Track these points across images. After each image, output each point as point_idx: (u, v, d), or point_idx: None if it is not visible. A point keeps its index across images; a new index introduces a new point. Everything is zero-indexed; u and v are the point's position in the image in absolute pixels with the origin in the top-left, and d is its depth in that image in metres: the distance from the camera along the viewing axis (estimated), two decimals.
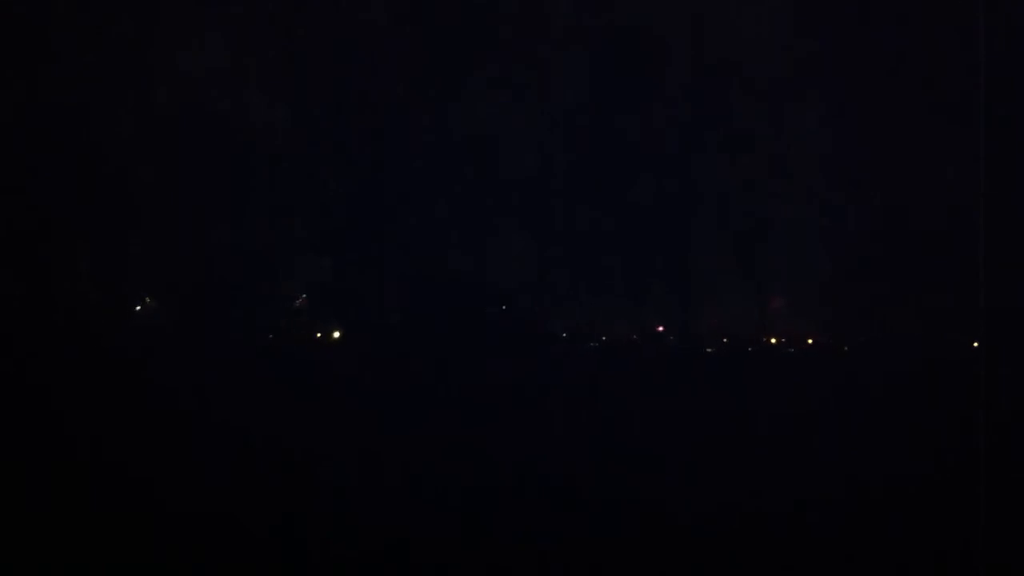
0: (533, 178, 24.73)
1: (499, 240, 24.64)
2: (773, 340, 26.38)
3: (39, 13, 21.86)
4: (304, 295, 23.33)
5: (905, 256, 23.75)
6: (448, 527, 15.92)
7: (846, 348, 26.09)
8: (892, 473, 17.55)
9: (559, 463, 18.36)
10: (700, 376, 23.77)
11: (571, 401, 21.35)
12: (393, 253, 23.77)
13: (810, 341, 26.71)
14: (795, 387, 22.14)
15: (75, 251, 22.06)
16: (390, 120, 23.69)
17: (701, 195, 25.21)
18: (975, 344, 19.28)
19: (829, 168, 24.81)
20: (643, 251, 25.45)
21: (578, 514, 16.42)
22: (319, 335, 23.93)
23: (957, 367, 19.23)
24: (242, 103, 23.19)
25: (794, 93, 24.59)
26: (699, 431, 19.67)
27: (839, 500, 16.73)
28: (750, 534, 15.63)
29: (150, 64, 22.67)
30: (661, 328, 26.61)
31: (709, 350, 26.37)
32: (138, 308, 22.51)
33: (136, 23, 22.45)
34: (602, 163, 25.00)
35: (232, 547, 15.05)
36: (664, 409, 20.98)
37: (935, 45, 21.89)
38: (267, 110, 23.31)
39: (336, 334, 23.70)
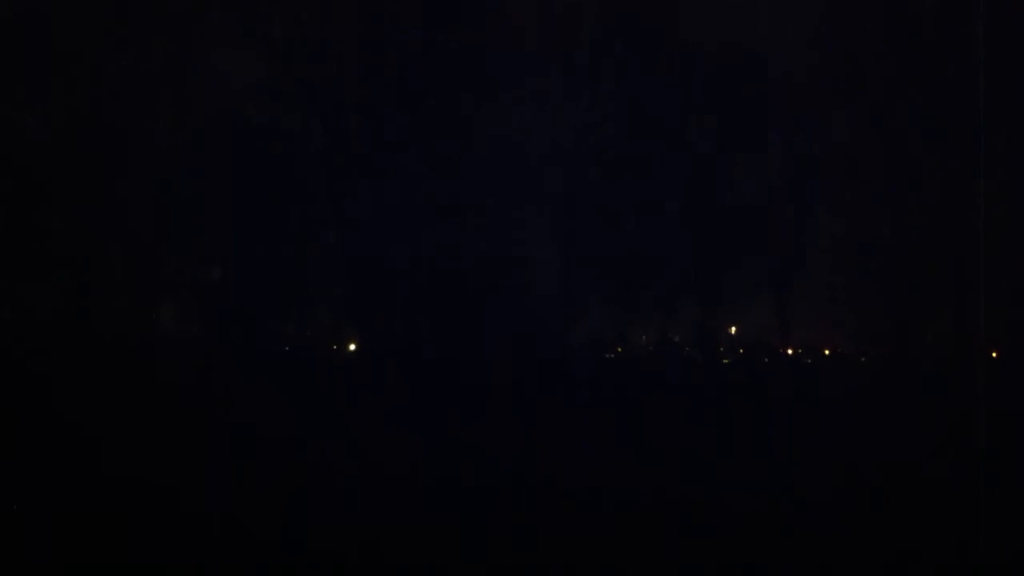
0: (557, 189, 24.84)
1: (522, 251, 24.76)
2: (790, 351, 26.48)
3: (77, 26, 22.17)
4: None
5: (926, 267, 23.82)
6: (454, 528, 16.19)
7: (863, 359, 26.22)
8: (892, 475, 17.74)
9: (568, 469, 18.60)
10: (714, 386, 23.96)
11: (585, 410, 21.55)
12: (417, 262, 23.90)
13: (827, 352, 26.81)
14: (806, 396, 22.34)
15: (106, 260, 22.36)
16: (419, 131, 23.83)
17: (723, 208, 25.35)
18: (978, 347, 19.47)
19: (851, 181, 24.91)
20: (664, 262, 25.56)
21: (581, 516, 16.68)
22: (335, 346, 24.21)
23: (962, 370, 19.40)
24: (274, 119, 23.40)
25: (821, 106, 24.68)
26: (706, 437, 19.89)
27: (840, 502, 16.94)
28: (750, 534, 15.84)
29: (182, 78, 22.91)
30: (678, 339, 26.80)
31: (726, 361, 26.49)
32: (165, 315, 22.81)
33: (170, 37, 22.73)
34: (624, 175, 25.11)
35: (239, 547, 15.37)
36: (676, 417, 21.20)
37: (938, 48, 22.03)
38: (297, 124, 23.52)
39: (352, 346, 23.96)
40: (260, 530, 16.15)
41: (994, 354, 22.00)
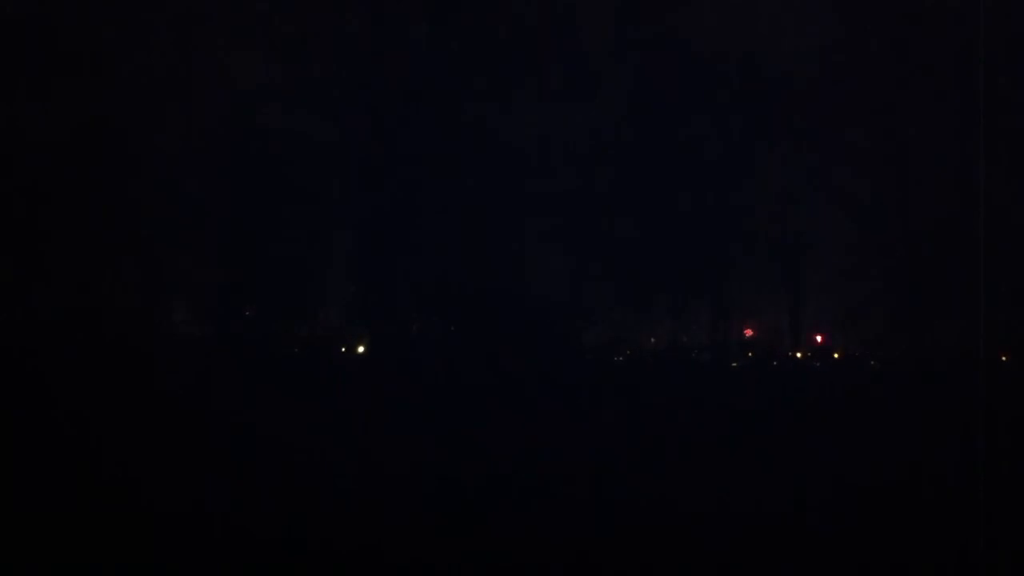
0: (564, 190, 24.82)
1: (527, 252, 24.73)
2: (799, 355, 26.45)
3: (81, 26, 22.26)
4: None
5: (929, 268, 23.79)
6: (453, 528, 16.21)
7: (873, 362, 26.17)
8: (892, 476, 17.71)
9: (572, 471, 18.59)
10: (722, 387, 23.95)
11: (592, 411, 21.54)
12: (424, 263, 23.90)
13: (836, 356, 26.77)
14: (809, 396, 22.33)
15: (109, 260, 22.44)
16: (426, 133, 23.83)
17: (729, 209, 25.34)
18: (980, 349, 19.43)
19: (859, 186, 24.91)
20: (673, 264, 25.52)
21: (581, 516, 16.67)
22: (344, 349, 24.27)
23: (965, 371, 19.35)
24: (275, 119, 23.46)
25: (825, 107, 24.66)
26: (707, 436, 19.88)
27: (840, 502, 16.92)
28: (750, 535, 15.82)
29: (187, 77, 22.99)
30: (687, 340, 26.77)
31: (735, 364, 26.46)
32: (168, 316, 22.88)
33: (175, 36, 22.81)
34: (632, 176, 25.08)
35: (240, 548, 15.42)
36: (683, 419, 21.18)
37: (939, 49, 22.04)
38: (301, 125, 23.57)
39: (361, 348, 23.99)
40: (260, 530, 16.19)
41: (1002, 357, 22.02)
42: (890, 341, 24.59)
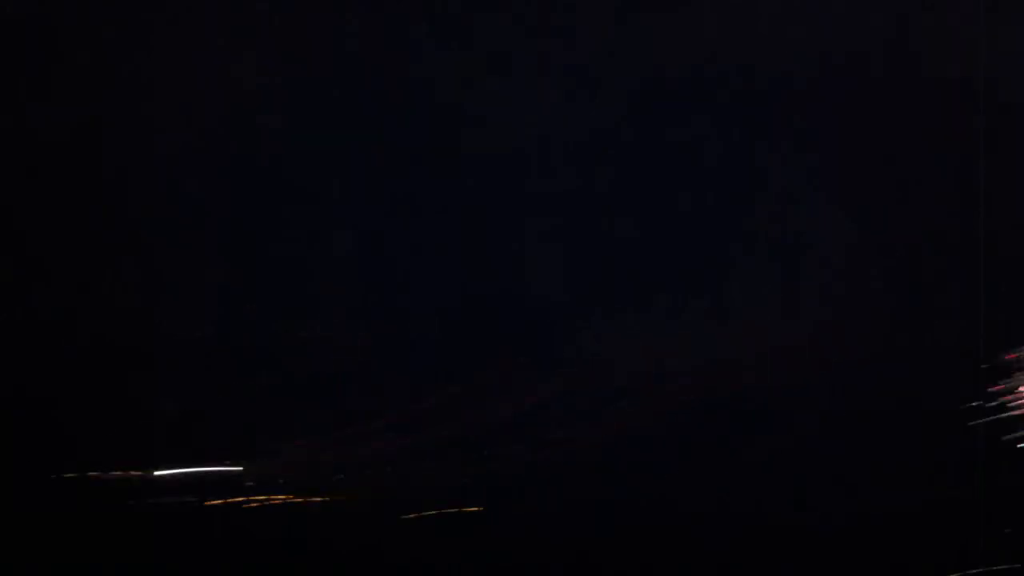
0: (562, 191, 24.86)
1: (525, 253, 24.80)
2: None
3: (79, 25, 22.31)
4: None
5: (929, 268, 23.84)
6: (453, 528, 16.30)
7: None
8: (892, 476, 17.79)
9: (570, 470, 18.63)
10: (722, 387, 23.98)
11: (587, 412, 21.58)
12: (422, 264, 23.95)
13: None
14: (811, 398, 22.32)
15: (107, 260, 22.49)
16: (429, 134, 23.89)
17: (731, 210, 25.37)
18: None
19: (859, 186, 24.91)
20: (669, 266, 25.58)
21: (581, 516, 16.74)
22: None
23: (963, 371, 19.40)
24: (283, 120, 23.51)
25: (827, 108, 24.68)
26: (707, 440, 19.89)
27: (840, 502, 17.00)
28: (750, 535, 15.92)
29: (192, 78, 23.03)
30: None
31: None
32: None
33: (171, 35, 22.86)
34: (633, 177, 25.12)
35: (240, 548, 15.51)
36: (678, 420, 21.20)
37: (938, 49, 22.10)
38: (308, 126, 23.62)
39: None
40: (260, 530, 16.27)
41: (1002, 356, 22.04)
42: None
